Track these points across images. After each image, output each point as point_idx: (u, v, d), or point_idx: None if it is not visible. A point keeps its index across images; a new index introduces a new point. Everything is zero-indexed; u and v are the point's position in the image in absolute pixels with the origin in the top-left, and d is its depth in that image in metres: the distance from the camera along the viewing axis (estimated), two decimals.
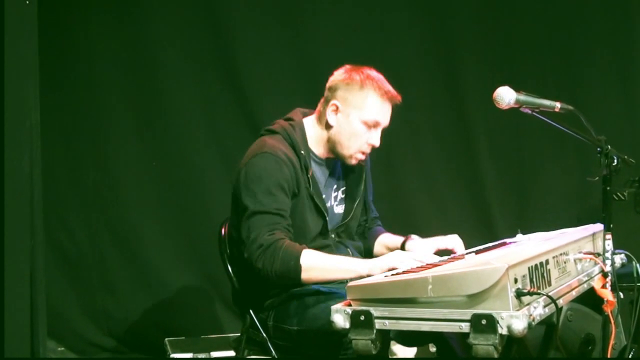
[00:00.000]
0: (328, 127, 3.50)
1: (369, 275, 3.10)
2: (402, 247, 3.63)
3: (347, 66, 3.54)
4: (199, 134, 5.56)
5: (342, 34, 5.63)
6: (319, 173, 3.56)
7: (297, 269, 3.17)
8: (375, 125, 3.47)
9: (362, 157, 3.54)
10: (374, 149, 3.54)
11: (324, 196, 3.55)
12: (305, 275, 3.19)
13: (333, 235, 3.56)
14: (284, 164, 3.36)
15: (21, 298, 3.72)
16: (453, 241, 3.49)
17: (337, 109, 3.47)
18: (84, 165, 5.46)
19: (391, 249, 3.64)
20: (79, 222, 5.47)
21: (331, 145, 3.52)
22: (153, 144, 5.53)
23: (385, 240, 3.80)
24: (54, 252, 5.30)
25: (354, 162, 3.54)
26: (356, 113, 3.44)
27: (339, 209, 3.64)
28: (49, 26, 4.87)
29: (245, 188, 3.33)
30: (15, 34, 3.69)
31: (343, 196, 3.67)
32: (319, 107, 3.56)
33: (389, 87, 3.48)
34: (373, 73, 3.50)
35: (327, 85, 3.53)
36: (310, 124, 3.57)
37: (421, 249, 3.45)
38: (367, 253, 3.76)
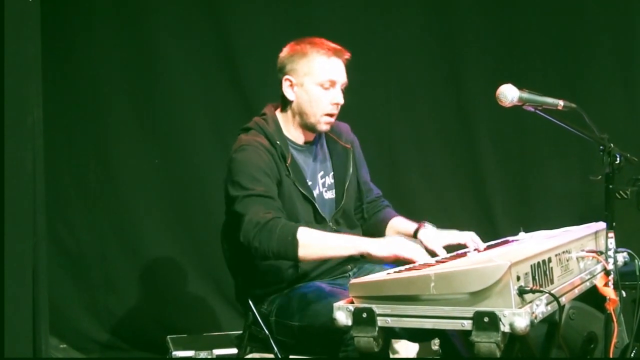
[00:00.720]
0: (289, 103, 3.53)
1: (369, 255, 3.13)
2: (414, 236, 3.57)
3: (290, 43, 3.59)
4: (201, 131, 5.56)
5: (344, 29, 5.62)
6: (301, 160, 3.56)
7: (295, 244, 3.15)
8: (332, 84, 3.48)
9: (331, 119, 3.53)
10: (341, 107, 3.53)
11: (310, 183, 3.54)
12: (303, 251, 3.16)
13: (331, 224, 3.54)
14: (262, 152, 3.39)
15: (23, 295, 3.72)
16: (468, 238, 3.39)
17: (291, 83, 3.50)
18: (86, 163, 5.46)
19: (402, 234, 3.59)
20: (81, 219, 5.48)
21: (298, 120, 3.53)
22: (155, 142, 5.54)
23: (397, 225, 3.75)
24: (56, 249, 5.30)
25: (325, 127, 3.53)
26: (309, 79, 3.47)
27: (329, 195, 3.62)
28: (52, 23, 4.88)
29: (230, 182, 3.36)
30: (17, 31, 3.70)
31: (332, 181, 3.65)
32: (280, 93, 3.57)
33: (331, 44, 3.51)
34: (314, 38, 3.54)
35: (277, 67, 3.58)
36: (280, 114, 3.60)
37: (433, 242, 3.39)
38: (378, 237, 3.62)
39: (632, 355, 3.30)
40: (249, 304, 3.53)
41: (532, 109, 3.05)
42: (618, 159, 2.97)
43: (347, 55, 3.52)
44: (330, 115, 3.52)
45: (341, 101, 3.51)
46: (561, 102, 3.05)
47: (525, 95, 2.99)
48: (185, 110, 5.54)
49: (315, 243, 3.20)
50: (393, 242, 3.17)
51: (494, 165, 5.89)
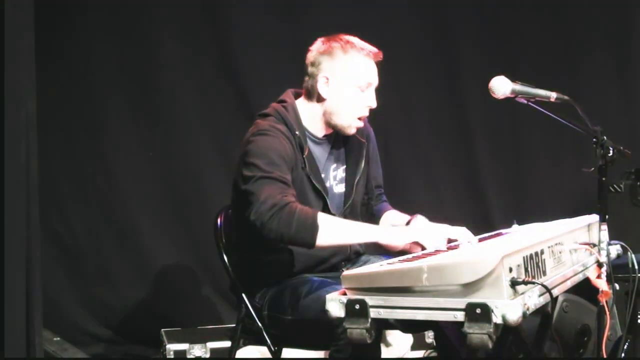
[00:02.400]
0: (321, 100, 3.48)
1: (387, 245, 3.15)
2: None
3: (321, 38, 3.55)
4: (196, 125, 5.56)
5: (339, 24, 5.58)
6: (317, 152, 3.53)
7: (315, 229, 3.09)
8: (368, 86, 3.46)
9: (361, 123, 3.52)
10: (372, 110, 3.52)
11: (323, 175, 3.52)
12: (322, 236, 3.10)
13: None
14: (283, 139, 3.36)
15: (17, 288, 3.71)
16: (459, 233, 3.32)
17: (327, 81, 3.45)
18: (80, 155, 5.45)
19: (389, 227, 3.62)
20: (75, 211, 5.46)
21: (327, 118, 3.49)
22: (150, 134, 5.53)
23: (390, 217, 3.76)
24: (50, 241, 5.29)
25: (353, 130, 3.51)
26: (347, 79, 3.43)
27: (339, 188, 3.61)
28: (46, 16, 4.86)
29: (246, 164, 3.28)
30: (11, 24, 3.69)
31: (344, 174, 3.64)
32: (305, 85, 3.54)
33: (370, 47, 3.49)
34: (350, 37, 3.51)
35: (309, 61, 3.53)
36: (302, 104, 3.55)
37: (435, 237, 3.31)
38: None
39: (624, 347, 3.31)
40: (242, 296, 3.53)
41: (525, 101, 3.05)
42: (611, 151, 2.97)
43: (381, 58, 3.51)
44: (361, 118, 3.51)
45: (375, 104, 3.49)
46: (554, 95, 3.05)
47: (518, 87, 3.00)
48: (181, 104, 5.53)
49: (334, 229, 3.16)
50: (410, 230, 3.23)
51: (487, 159, 5.91)
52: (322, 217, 3.14)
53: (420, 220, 3.53)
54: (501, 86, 2.97)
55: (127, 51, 5.46)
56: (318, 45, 3.53)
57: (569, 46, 5.91)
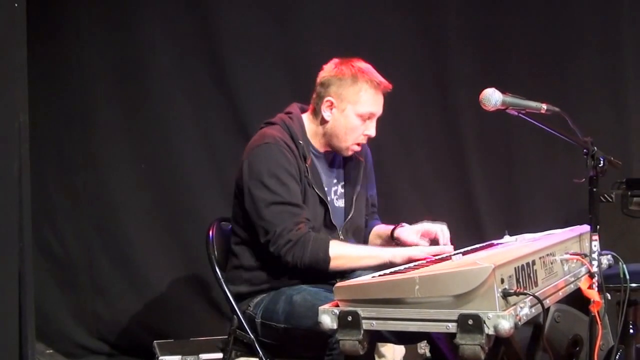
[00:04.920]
0: (324, 122, 3.56)
1: (391, 263, 3.25)
2: (392, 234, 3.68)
3: (336, 60, 3.60)
4: (188, 136, 5.56)
5: (331, 33, 5.64)
6: (318, 165, 3.61)
7: (326, 259, 3.32)
8: (370, 116, 3.54)
9: (358, 148, 3.61)
10: (370, 139, 3.62)
11: (326, 189, 3.60)
12: (333, 264, 3.33)
13: (341, 232, 3.60)
14: (287, 151, 3.44)
15: (9, 300, 3.71)
16: (438, 228, 3.50)
17: (331, 105, 3.52)
18: (73, 167, 5.45)
19: (382, 237, 3.76)
20: (68, 224, 5.46)
21: (327, 139, 3.58)
22: (142, 146, 5.53)
23: (378, 230, 3.86)
24: (43, 254, 5.30)
25: (350, 153, 3.61)
26: (351, 107, 3.50)
27: (339, 203, 3.68)
28: (39, 28, 4.87)
29: (254, 180, 3.40)
30: (3, 36, 3.69)
31: (342, 191, 3.70)
32: (312, 103, 3.62)
33: (380, 78, 3.55)
34: (363, 65, 3.56)
35: (318, 80, 3.59)
36: (306, 119, 3.64)
37: (410, 235, 3.55)
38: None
39: (616, 357, 3.32)
40: (234, 307, 3.54)
41: (516, 113, 3.06)
42: (602, 162, 2.98)
43: (390, 89, 3.58)
44: (359, 144, 3.59)
45: (373, 134, 3.58)
46: (544, 106, 3.06)
47: (509, 99, 3.00)
48: (174, 115, 5.53)
49: (345, 256, 3.36)
50: (410, 251, 3.31)
51: (479, 169, 5.91)
52: (333, 247, 3.33)
53: (404, 227, 3.64)
54: (492, 98, 2.98)
55: (119, 63, 5.47)
56: (330, 66, 3.59)
57: (559, 56, 5.92)
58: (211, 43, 5.56)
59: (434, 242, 3.49)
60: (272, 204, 3.35)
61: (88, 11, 5.43)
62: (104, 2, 5.46)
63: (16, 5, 3.77)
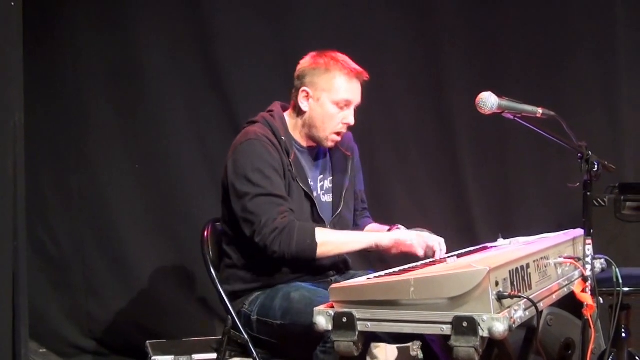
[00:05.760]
0: (301, 113, 3.61)
1: (377, 246, 3.36)
2: None
3: (312, 53, 3.67)
4: (182, 136, 5.55)
5: (327, 35, 5.64)
6: (302, 160, 3.63)
7: (314, 247, 3.33)
8: (347, 104, 3.57)
9: (338, 137, 3.63)
10: (350, 128, 3.66)
11: (312, 183, 3.61)
12: (322, 248, 3.35)
13: (329, 227, 3.58)
14: (269, 146, 3.47)
15: (3, 299, 3.71)
16: (436, 242, 3.42)
17: (307, 95, 3.58)
18: (67, 167, 5.45)
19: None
20: (61, 224, 5.45)
21: (307, 130, 3.62)
22: (136, 147, 5.52)
23: (371, 228, 3.86)
24: (36, 253, 5.28)
25: (330, 144, 3.63)
26: (326, 95, 3.55)
27: (327, 198, 3.70)
28: (35, 28, 4.87)
29: (239, 176, 3.42)
30: (0, 39, 3.70)
31: (330, 186, 3.72)
32: (292, 98, 3.66)
33: (354, 65, 3.60)
34: (337, 55, 3.63)
35: (295, 74, 3.65)
36: (288, 115, 3.68)
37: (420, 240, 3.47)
38: None
39: None
40: (229, 307, 3.55)
41: (512, 117, 3.07)
42: (596, 166, 2.99)
43: (366, 78, 3.61)
44: (338, 133, 3.61)
45: (352, 122, 3.60)
46: (540, 110, 3.07)
47: (505, 102, 3.01)
48: (168, 115, 5.53)
49: (331, 242, 3.39)
50: (397, 233, 3.40)
51: (473, 172, 5.92)
52: (319, 233, 3.35)
53: (400, 229, 3.61)
54: (488, 102, 2.99)
55: (114, 63, 5.46)
56: (306, 59, 3.66)
57: (553, 60, 5.94)
58: (207, 44, 5.56)
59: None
60: (255, 196, 3.37)
61: (84, 12, 5.43)
62: (99, 2, 5.46)
63: (12, 4, 3.78)
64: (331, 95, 3.54)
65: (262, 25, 5.65)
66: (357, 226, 3.88)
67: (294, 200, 3.49)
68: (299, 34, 5.64)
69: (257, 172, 3.39)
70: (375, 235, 3.44)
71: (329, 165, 3.75)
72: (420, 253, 3.36)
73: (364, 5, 5.82)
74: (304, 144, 3.66)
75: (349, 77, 3.55)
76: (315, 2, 5.72)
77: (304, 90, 3.58)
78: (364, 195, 3.97)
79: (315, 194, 3.61)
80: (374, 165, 5.70)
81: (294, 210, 3.42)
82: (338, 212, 3.67)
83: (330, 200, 3.70)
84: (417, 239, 3.38)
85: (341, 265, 3.70)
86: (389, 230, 3.65)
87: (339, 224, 3.66)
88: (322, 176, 3.71)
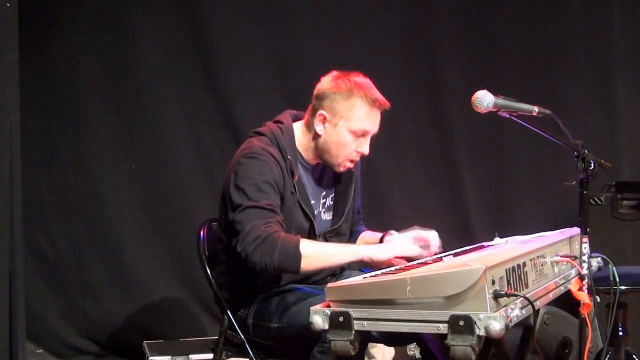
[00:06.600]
0: (316, 136, 3.46)
1: (370, 260, 3.19)
2: (381, 241, 3.61)
3: (335, 72, 3.49)
4: (179, 137, 5.55)
5: (322, 36, 5.65)
6: (305, 178, 3.54)
7: (297, 258, 3.15)
8: (364, 134, 3.43)
9: (351, 165, 3.51)
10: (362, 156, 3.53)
11: (313, 202, 3.53)
12: (305, 262, 3.17)
13: (320, 239, 3.51)
14: (273, 164, 3.35)
15: (0, 300, 3.71)
16: (430, 235, 3.42)
17: (324, 119, 3.42)
18: (64, 168, 5.45)
19: (370, 244, 3.64)
20: (58, 224, 5.45)
21: (319, 153, 3.48)
22: (133, 147, 5.52)
23: (365, 236, 3.81)
24: (33, 254, 5.28)
25: (342, 169, 3.51)
26: (344, 123, 3.39)
27: (327, 216, 3.62)
28: (32, 28, 4.87)
29: (236, 188, 3.31)
30: None
31: (332, 203, 3.64)
32: (307, 115, 3.51)
33: (377, 95, 3.42)
34: (360, 80, 3.44)
35: (315, 93, 3.47)
36: (299, 129, 3.54)
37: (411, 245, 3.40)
38: None
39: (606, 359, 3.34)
40: (225, 308, 3.54)
41: (508, 115, 3.06)
42: (592, 165, 2.99)
43: (387, 107, 3.47)
44: (352, 161, 3.49)
45: (367, 152, 3.47)
46: (536, 109, 3.07)
47: (501, 101, 3.01)
48: (165, 116, 5.53)
49: (317, 254, 3.22)
50: (392, 244, 3.28)
51: (470, 171, 5.92)
52: (304, 245, 3.19)
53: (393, 234, 3.56)
54: (484, 100, 2.98)
55: (110, 64, 5.46)
56: (327, 79, 3.48)
57: (550, 60, 5.94)
58: (203, 45, 5.56)
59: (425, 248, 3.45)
60: (247, 207, 3.24)
61: (80, 12, 5.42)
62: (96, 2, 5.45)
63: (8, 5, 3.78)
64: (349, 124, 3.38)
65: (259, 27, 5.64)
66: (349, 233, 3.80)
67: (293, 220, 3.42)
68: (297, 35, 5.65)
69: (254, 187, 3.27)
70: (367, 248, 3.28)
71: (332, 182, 3.66)
72: (416, 253, 3.27)
73: (359, 6, 5.81)
74: (312, 161, 3.54)
75: (370, 107, 3.39)
76: (311, 4, 5.72)
77: (321, 114, 3.41)
78: (360, 207, 3.87)
79: (316, 211, 3.55)
80: (370, 166, 5.70)
81: (283, 224, 3.28)
82: (334, 227, 3.60)
83: (330, 218, 3.63)
84: (411, 247, 3.28)
85: (337, 271, 3.64)
86: (382, 237, 3.62)
87: (335, 237, 3.61)
88: (324, 193, 3.63)
